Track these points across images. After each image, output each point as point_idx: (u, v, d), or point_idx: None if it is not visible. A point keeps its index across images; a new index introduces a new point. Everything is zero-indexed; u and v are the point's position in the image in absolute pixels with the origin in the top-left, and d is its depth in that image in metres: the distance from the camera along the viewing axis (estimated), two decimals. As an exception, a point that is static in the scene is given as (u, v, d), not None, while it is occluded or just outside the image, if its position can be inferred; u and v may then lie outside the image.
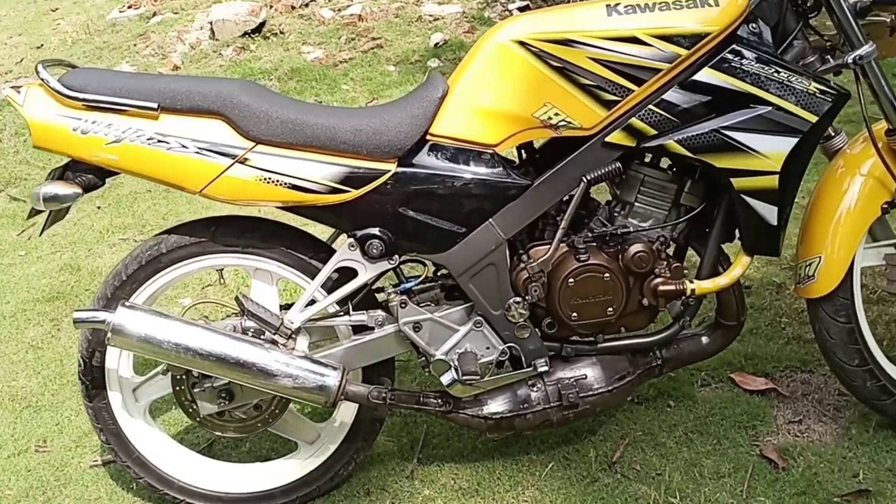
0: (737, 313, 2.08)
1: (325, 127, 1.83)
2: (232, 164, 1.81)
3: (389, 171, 1.84)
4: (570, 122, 1.84)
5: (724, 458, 2.16)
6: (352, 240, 1.89)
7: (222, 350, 1.83)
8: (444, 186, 1.86)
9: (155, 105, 1.79)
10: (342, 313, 1.98)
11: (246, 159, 1.81)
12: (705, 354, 2.16)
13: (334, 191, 1.84)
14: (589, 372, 2.04)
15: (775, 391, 2.38)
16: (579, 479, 2.15)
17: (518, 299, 1.93)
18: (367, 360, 2.00)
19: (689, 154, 1.85)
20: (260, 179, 1.82)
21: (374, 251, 1.88)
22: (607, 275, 1.93)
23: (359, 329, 2.01)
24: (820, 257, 2.01)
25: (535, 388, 2.03)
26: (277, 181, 1.82)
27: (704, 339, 2.13)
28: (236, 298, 1.91)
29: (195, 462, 2.15)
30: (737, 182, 1.86)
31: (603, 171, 1.87)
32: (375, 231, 1.88)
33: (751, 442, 2.22)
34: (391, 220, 1.88)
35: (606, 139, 1.86)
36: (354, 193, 1.84)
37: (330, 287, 1.96)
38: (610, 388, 2.03)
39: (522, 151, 2.05)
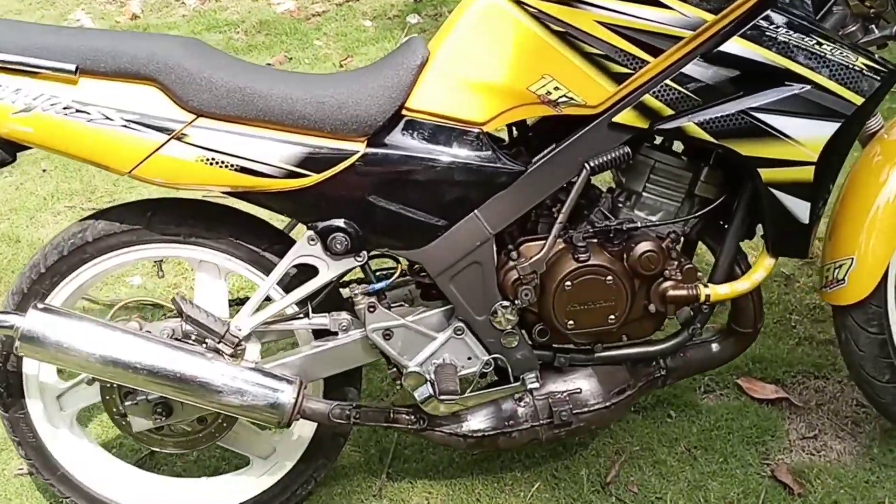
0: (753, 320, 1.82)
1: (281, 98, 1.53)
2: (167, 141, 1.51)
3: (357, 151, 1.55)
4: (572, 99, 1.55)
5: (732, 481, 1.92)
6: (312, 232, 1.60)
7: (154, 363, 1.54)
8: (422, 171, 1.57)
9: (72, 67, 1.48)
10: (301, 315, 1.70)
11: (184, 135, 1.51)
12: (715, 363, 1.91)
13: (291, 175, 1.54)
14: (584, 385, 1.78)
15: (787, 401, 2.13)
16: (569, 503, 1.90)
17: (506, 303, 1.66)
18: (329, 370, 1.73)
19: (712, 139, 1.57)
20: (201, 160, 1.52)
21: (338, 246, 1.59)
22: (610, 277, 1.66)
23: (320, 334, 1.73)
24: (852, 259, 1.75)
25: (522, 404, 1.77)
26: (222, 162, 1.52)
27: (715, 347, 1.88)
28: (173, 300, 1.62)
29: (131, 477, 1.88)
30: (765, 173, 1.59)
31: (609, 156, 1.59)
32: (340, 223, 1.59)
33: (761, 461, 1.97)
34: (358, 211, 1.59)
35: (614, 119, 1.58)
36: (315, 178, 1.55)
37: (287, 285, 1.68)
38: (607, 403, 1.78)
39: (514, 130, 1.76)
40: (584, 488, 1.92)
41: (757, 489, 1.89)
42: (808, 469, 1.93)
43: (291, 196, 1.57)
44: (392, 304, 1.73)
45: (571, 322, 1.68)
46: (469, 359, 1.70)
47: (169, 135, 1.50)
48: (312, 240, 1.60)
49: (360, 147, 1.55)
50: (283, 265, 1.62)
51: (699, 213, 1.70)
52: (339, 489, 1.96)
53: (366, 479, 1.99)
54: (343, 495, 1.95)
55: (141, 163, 1.51)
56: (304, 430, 1.82)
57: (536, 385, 1.70)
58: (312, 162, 1.54)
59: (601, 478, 1.94)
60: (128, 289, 2.74)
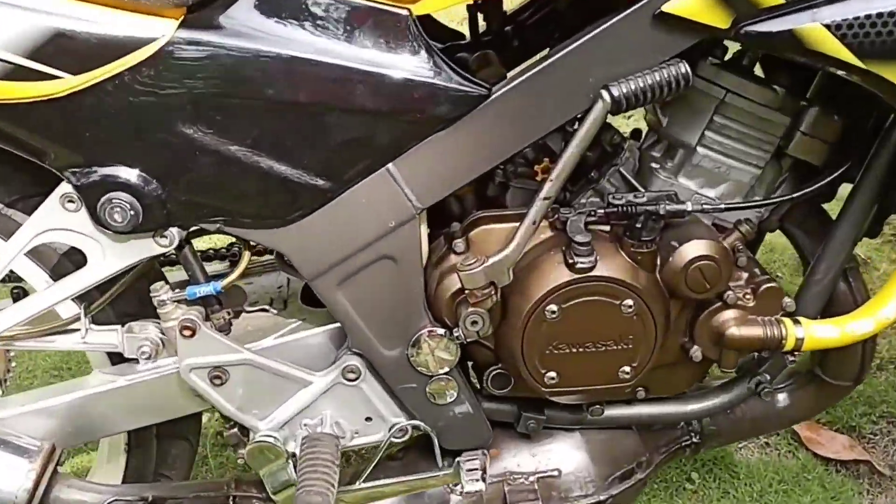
0: (858, 370, 1.10)
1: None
2: None
3: (160, 36, 0.78)
4: (587, -40, 0.79)
5: None
6: (70, 188, 0.85)
7: None
8: (292, 83, 0.81)
9: None
10: (73, 326, 0.96)
11: None
12: (780, 425, 1.24)
13: (25, 74, 0.78)
14: (566, 463, 1.07)
15: (867, 464, 1.43)
16: None
17: (438, 331, 0.92)
18: (129, 421, 1.00)
19: (853, 59, 0.81)
20: None
21: (117, 217, 0.84)
22: (630, 301, 0.91)
23: (119, 357, 0.99)
24: None
25: (457, 492, 1.05)
26: None
27: (783, 400, 1.18)
28: None
29: None
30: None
31: (649, 79, 0.82)
32: (123, 173, 0.83)
33: (829, 572, 1.29)
34: (161, 151, 0.83)
35: (665, 7, 0.81)
36: (73, 83, 0.79)
37: (56, 268, 0.94)
38: (602, 496, 1.07)
39: (479, 20, 0.99)
40: None
41: None
42: None
43: (27, 116, 0.80)
44: (247, 308, 0.99)
45: (554, 374, 0.94)
46: (368, 420, 0.97)
47: None
48: (71, 201, 0.85)
49: (166, 27, 0.78)
50: (19, 241, 0.87)
51: (796, 194, 0.96)
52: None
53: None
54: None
55: None
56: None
57: (480, 487, 0.98)
58: (68, 51, 0.78)
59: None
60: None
